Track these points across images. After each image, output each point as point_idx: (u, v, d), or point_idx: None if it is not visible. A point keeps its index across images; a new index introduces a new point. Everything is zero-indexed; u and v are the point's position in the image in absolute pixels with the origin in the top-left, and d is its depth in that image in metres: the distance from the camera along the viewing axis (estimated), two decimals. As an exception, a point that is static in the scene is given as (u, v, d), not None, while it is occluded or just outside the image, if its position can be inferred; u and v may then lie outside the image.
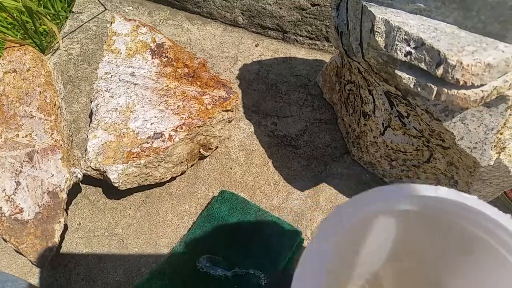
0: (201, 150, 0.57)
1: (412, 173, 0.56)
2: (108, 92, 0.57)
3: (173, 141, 0.52)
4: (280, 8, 0.70)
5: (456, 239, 0.33)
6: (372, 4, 0.40)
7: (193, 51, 0.72)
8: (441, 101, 0.36)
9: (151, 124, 0.53)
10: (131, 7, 0.77)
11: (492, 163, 0.42)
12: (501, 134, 0.41)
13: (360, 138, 0.59)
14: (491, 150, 0.41)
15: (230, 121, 0.59)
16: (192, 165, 0.59)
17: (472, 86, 0.34)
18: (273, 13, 0.71)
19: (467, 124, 0.40)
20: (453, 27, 0.37)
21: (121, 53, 0.61)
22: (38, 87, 0.53)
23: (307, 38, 0.72)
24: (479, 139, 0.41)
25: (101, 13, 0.76)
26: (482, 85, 0.35)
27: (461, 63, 0.33)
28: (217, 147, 0.61)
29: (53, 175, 0.50)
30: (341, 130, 0.65)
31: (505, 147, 0.42)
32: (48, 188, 0.50)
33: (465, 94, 0.35)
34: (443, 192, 0.32)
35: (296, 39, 0.74)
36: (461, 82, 0.34)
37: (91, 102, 0.58)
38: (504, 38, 0.35)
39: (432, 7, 0.37)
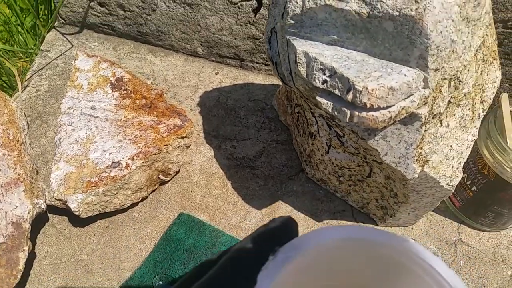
0: (160, 175, 0.60)
1: (358, 187, 0.59)
2: (70, 125, 0.60)
3: (130, 169, 0.55)
4: (235, 39, 0.75)
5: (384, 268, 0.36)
6: (295, 37, 0.43)
7: (156, 81, 0.76)
8: (354, 123, 0.39)
9: (110, 154, 0.57)
10: (96, 43, 0.81)
11: (417, 175, 0.46)
12: (421, 148, 0.44)
13: (311, 157, 0.63)
14: (414, 163, 0.45)
15: (187, 147, 0.63)
16: (153, 191, 0.62)
17: (379, 108, 0.38)
18: (229, 43, 0.76)
19: (389, 141, 0.44)
20: (363, 55, 0.40)
21: (83, 88, 0.64)
22: (2, 125, 0.57)
23: (263, 65, 0.77)
24: (401, 154, 0.45)
25: (68, 50, 0.80)
26: (388, 106, 0.38)
27: (367, 88, 0.37)
28: (178, 172, 0.64)
29: (16, 206, 0.53)
30: (296, 150, 0.68)
31: (428, 160, 0.46)
32: (12, 219, 0.53)
33: (373, 115, 0.38)
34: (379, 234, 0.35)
35: (253, 66, 0.78)
36: (368, 105, 0.38)
37: (55, 136, 0.61)
38: (408, 63, 0.39)
39: (344, 38, 0.41)
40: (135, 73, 0.77)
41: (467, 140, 0.47)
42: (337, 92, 0.40)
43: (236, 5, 0.70)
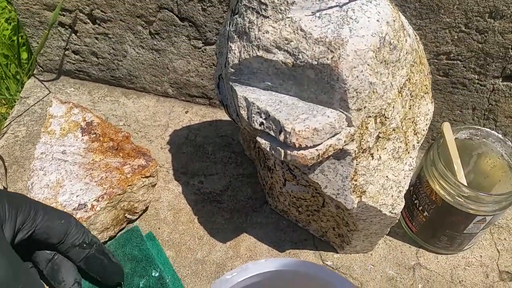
0: (126, 215, 0.64)
1: (316, 217, 0.62)
2: (42, 170, 0.64)
3: (95, 210, 0.58)
4: (202, 79, 0.79)
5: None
6: (237, 84, 0.47)
7: (128, 122, 0.80)
8: (288, 161, 0.43)
9: (77, 196, 0.60)
10: (72, 88, 0.86)
11: (355, 205, 0.49)
12: (356, 180, 0.48)
13: (272, 189, 0.66)
14: (351, 195, 0.48)
15: (153, 186, 0.66)
16: (121, 230, 0.65)
17: (307, 147, 0.42)
18: (197, 84, 0.80)
19: (327, 175, 0.48)
20: (294, 99, 0.44)
21: (55, 133, 0.68)
22: (-25, 173, 0.60)
23: (229, 102, 0.81)
24: (339, 186, 0.48)
25: (45, 96, 0.84)
26: (316, 145, 0.42)
27: (294, 129, 0.41)
28: (146, 209, 0.67)
29: (-12, 251, 0.56)
30: (260, 183, 0.72)
31: (365, 191, 0.49)
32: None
33: (302, 154, 0.42)
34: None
35: (220, 104, 0.82)
36: (297, 145, 0.41)
37: (27, 180, 0.64)
38: (332, 105, 0.43)
39: (277, 84, 0.45)
40: (109, 115, 0.81)
41: (403, 170, 0.51)
42: (272, 133, 0.44)
43: (200, 49, 0.75)
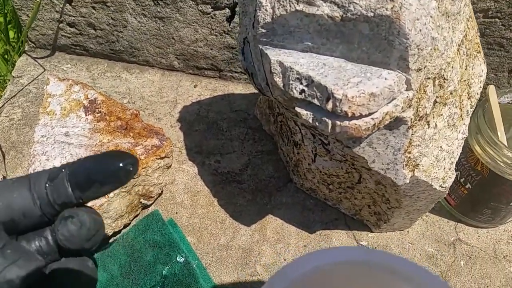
0: (141, 200, 0.58)
1: (349, 194, 0.57)
2: (44, 155, 0.57)
3: (108, 197, 0.52)
4: (211, 49, 0.72)
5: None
6: (268, 47, 0.41)
7: (133, 100, 0.73)
8: (337, 133, 0.37)
9: (86, 182, 0.54)
10: (69, 65, 0.78)
11: (408, 181, 0.43)
12: (410, 153, 0.42)
13: (298, 166, 0.61)
14: (404, 169, 0.43)
15: (168, 167, 0.60)
16: (135, 216, 0.59)
17: (361, 116, 0.36)
18: (206, 55, 0.73)
19: (375, 148, 0.42)
20: (340, 61, 0.38)
21: (56, 114, 0.62)
22: (-30, 161, 0.54)
23: (242, 74, 0.74)
24: (389, 160, 0.42)
25: (40, 74, 0.77)
26: (371, 113, 0.36)
27: (346, 96, 0.35)
28: (161, 193, 0.62)
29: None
30: (282, 160, 0.66)
31: (418, 164, 0.43)
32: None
33: (356, 124, 0.36)
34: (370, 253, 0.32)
35: (232, 76, 0.75)
36: (350, 114, 0.35)
37: (29, 167, 0.58)
38: (387, 65, 0.36)
39: (319, 44, 0.39)
40: (110, 93, 0.74)
41: (457, 139, 0.45)
42: (316, 101, 0.37)
43: (208, 15, 0.68)
